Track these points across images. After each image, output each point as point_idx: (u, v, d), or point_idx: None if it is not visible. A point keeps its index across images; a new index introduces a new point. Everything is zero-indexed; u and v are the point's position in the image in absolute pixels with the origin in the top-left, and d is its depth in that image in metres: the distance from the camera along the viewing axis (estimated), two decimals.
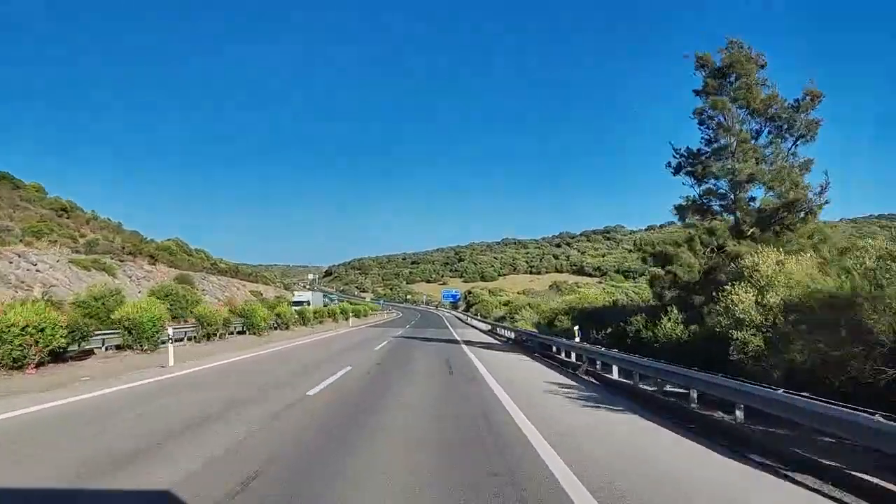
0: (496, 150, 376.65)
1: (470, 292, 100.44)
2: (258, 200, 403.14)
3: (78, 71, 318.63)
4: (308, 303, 51.02)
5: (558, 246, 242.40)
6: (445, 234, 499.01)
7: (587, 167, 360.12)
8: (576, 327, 17.84)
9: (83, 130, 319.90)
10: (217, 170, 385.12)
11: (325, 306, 61.99)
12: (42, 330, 13.67)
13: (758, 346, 9.76)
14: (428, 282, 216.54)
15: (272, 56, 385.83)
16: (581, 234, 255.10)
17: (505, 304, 55.91)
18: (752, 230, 15.97)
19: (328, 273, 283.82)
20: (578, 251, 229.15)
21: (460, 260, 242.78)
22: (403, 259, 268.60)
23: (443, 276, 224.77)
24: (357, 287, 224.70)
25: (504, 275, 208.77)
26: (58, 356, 14.75)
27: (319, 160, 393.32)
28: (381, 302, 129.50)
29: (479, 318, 55.72)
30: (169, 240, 77.71)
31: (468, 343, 27.18)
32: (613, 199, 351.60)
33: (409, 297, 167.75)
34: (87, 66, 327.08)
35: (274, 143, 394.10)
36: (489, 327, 41.30)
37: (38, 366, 13.63)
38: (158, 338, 19.00)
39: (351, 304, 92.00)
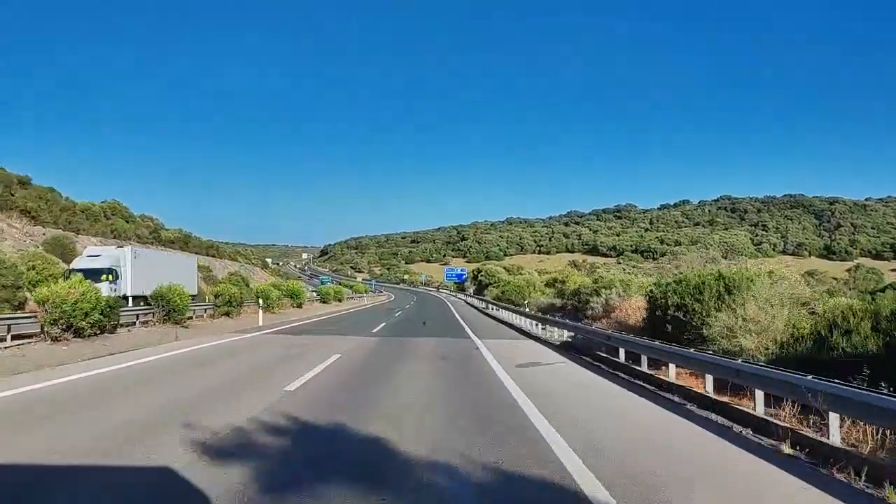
0: (499, 127, 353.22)
1: (479, 271, 78.36)
2: (259, 179, 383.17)
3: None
4: (111, 273, 21.21)
5: (567, 225, 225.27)
6: (447, 214, 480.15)
7: (596, 145, 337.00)
8: None
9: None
10: (216, 147, 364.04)
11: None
12: None
13: None
14: (428, 261, 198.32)
15: (267, 17, 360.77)
16: (591, 213, 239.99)
17: (550, 286, 33.16)
18: None
19: (324, 252, 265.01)
20: (590, 230, 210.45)
21: (463, 239, 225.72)
22: (403, 238, 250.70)
23: (444, 256, 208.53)
24: (352, 267, 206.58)
25: (511, 254, 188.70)
26: None
27: (319, 138, 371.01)
28: (373, 283, 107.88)
29: (518, 309, 29.20)
30: (105, 202, 57.83)
31: None
32: (623, 178, 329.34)
33: (406, 276, 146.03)
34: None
35: (273, 119, 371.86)
36: (566, 334, 17.37)
37: None
38: None
39: (332, 286, 70.41)
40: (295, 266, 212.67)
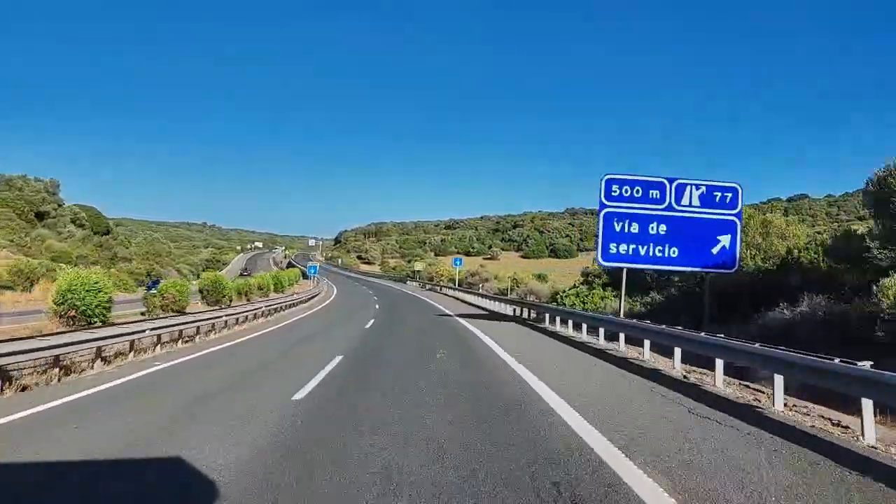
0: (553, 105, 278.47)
1: None
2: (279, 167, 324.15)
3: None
4: None
5: None
6: (489, 205, 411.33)
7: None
8: None
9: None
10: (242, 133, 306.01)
11: None
12: None
13: None
14: (468, 254, 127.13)
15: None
16: None
17: None
18: None
19: (337, 241, 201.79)
20: None
21: (515, 226, 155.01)
22: (436, 225, 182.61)
23: (491, 248, 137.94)
24: (359, 257, 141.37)
25: (588, 249, 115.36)
26: None
27: (343, 122, 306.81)
28: (316, 269, 37.47)
29: None
30: None
31: None
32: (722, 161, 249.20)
33: (419, 270, 74.23)
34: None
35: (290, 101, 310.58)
36: None
37: None
38: None
39: None
40: (285, 253, 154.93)
